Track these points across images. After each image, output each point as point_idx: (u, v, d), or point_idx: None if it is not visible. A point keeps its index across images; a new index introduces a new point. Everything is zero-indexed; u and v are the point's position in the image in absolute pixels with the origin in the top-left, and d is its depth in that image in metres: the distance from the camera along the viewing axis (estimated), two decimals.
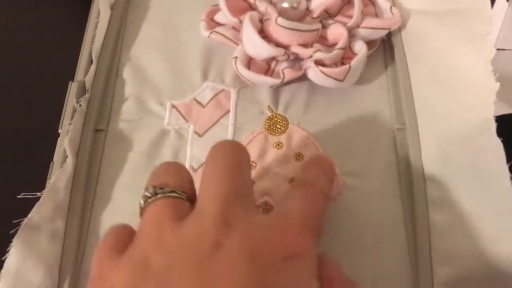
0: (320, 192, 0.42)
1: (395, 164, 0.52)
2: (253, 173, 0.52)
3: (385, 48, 0.60)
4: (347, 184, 0.51)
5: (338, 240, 0.48)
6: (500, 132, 0.46)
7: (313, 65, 0.54)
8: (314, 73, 0.54)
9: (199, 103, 0.57)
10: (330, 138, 0.54)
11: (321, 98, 0.57)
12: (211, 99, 0.57)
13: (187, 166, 0.53)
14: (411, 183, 0.51)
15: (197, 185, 0.51)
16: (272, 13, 0.54)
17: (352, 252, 0.48)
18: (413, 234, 0.48)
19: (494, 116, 0.47)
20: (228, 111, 0.56)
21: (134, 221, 0.49)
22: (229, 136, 0.55)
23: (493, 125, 0.47)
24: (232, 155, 0.40)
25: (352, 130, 0.55)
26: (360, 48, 0.55)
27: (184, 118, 0.56)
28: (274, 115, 0.56)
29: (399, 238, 0.49)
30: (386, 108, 0.56)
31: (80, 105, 0.54)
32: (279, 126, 0.55)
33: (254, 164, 0.53)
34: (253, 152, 0.53)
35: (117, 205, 0.51)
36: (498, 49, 0.51)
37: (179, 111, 0.56)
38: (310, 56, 0.53)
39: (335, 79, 0.53)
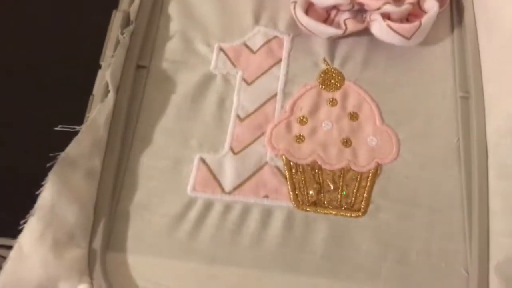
0: None
1: (456, 134, 0.49)
2: (304, 129, 0.49)
3: (452, 9, 0.55)
4: (406, 148, 0.48)
5: (395, 206, 0.45)
6: None
7: (379, 18, 0.49)
8: (379, 27, 0.50)
9: (249, 48, 0.53)
10: (388, 99, 0.50)
11: (381, 56, 0.53)
12: (263, 45, 0.53)
13: (232, 115, 0.49)
14: (472, 155, 0.47)
15: (245, 136, 0.49)
16: None
17: (407, 221, 0.45)
18: (469, 214, 0.45)
19: None
20: (280, 60, 0.52)
21: (175, 169, 0.47)
22: (279, 87, 0.51)
23: None
24: None
25: (412, 94, 0.51)
26: (431, 6, 0.50)
27: (232, 63, 0.52)
28: (329, 69, 0.52)
29: (454, 213, 0.46)
30: (449, 73, 0.52)
31: (124, 37, 0.50)
32: (334, 82, 0.51)
33: (305, 119, 0.49)
34: (304, 107, 0.50)
35: (156, 149, 0.48)
36: None
37: (227, 55, 0.53)
38: (378, 8, 0.49)
39: (402, 35, 0.49)
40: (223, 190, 0.46)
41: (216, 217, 0.45)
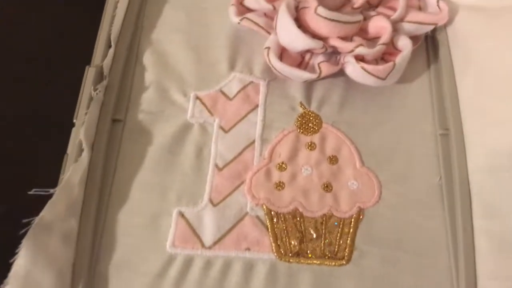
0: None
1: (438, 173, 0.48)
2: (284, 175, 0.48)
3: (427, 45, 0.55)
4: (388, 190, 0.47)
5: (379, 252, 0.45)
6: None
7: (353, 60, 0.49)
8: (353, 69, 0.50)
9: (225, 95, 0.53)
10: (368, 140, 0.50)
11: (357, 97, 0.52)
12: (239, 91, 0.53)
13: (211, 164, 0.49)
14: (454, 195, 0.46)
15: (224, 186, 0.48)
16: (312, 1, 0.49)
17: (392, 267, 0.44)
18: (455, 256, 0.44)
19: None
20: (257, 106, 0.52)
21: (153, 224, 0.46)
22: (257, 133, 0.50)
23: None
24: None
25: (391, 133, 0.50)
26: (405, 44, 0.50)
27: (209, 111, 0.52)
28: (306, 112, 0.52)
29: (440, 257, 0.45)
30: (428, 109, 0.52)
31: (98, 93, 0.49)
32: (312, 125, 0.51)
33: (284, 166, 0.49)
34: (283, 152, 0.49)
35: (133, 204, 0.47)
36: None
37: (203, 103, 0.52)
38: (351, 51, 0.49)
39: (377, 77, 0.49)
40: (203, 245, 0.45)
41: (197, 273, 0.44)
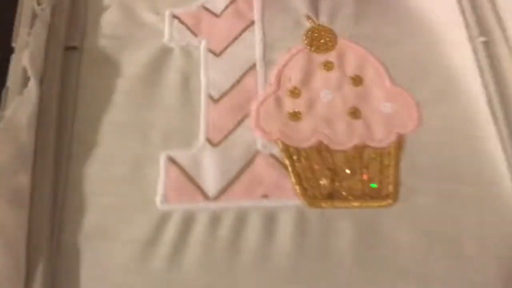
0: None
1: (482, 85, 0.39)
2: (299, 103, 0.38)
3: None
4: (429, 111, 0.38)
5: (431, 185, 0.35)
6: None
7: None
8: None
9: (210, 12, 0.42)
10: (394, 55, 0.40)
11: (372, 8, 0.43)
12: (227, 6, 0.42)
13: (203, 96, 0.38)
14: (509, 108, 0.38)
15: (224, 121, 0.37)
16: None
17: (448, 200, 0.35)
18: None
19: None
20: (253, 23, 0.41)
21: (135, 175, 0.34)
22: (257, 55, 0.39)
23: None
24: None
25: (421, 46, 0.41)
26: None
27: (192, 31, 0.41)
28: (316, 26, 0.41)
29: (503, 183, 0.36)
30: (458, 18, 0.43)
31: (43, 9, 0.36)
32: (324, 41, 0.41)
33: (297, 91, 0.38)
34: (294, 75, 0.39)
35: (105, 152, 0.36)
36: None
37: (183, 23, 0.41)
38: None
39: None
40: (205, 196, 0.34)
41: (202, 233, 0.33)
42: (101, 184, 0.34)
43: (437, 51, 0.41)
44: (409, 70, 0.40)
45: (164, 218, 0.33)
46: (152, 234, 0.33)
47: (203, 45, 0.40)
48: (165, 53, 0.40)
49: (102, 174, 0.34)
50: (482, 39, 0.41)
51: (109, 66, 0.39)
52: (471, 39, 0.41)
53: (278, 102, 0.38)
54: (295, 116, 0.37)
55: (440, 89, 0.39)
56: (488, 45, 0.41)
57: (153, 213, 0.33)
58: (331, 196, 0.35)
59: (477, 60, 0.40)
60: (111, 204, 0.34)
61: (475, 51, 0.41)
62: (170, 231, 0.33)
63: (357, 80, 0.39)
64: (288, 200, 0.34)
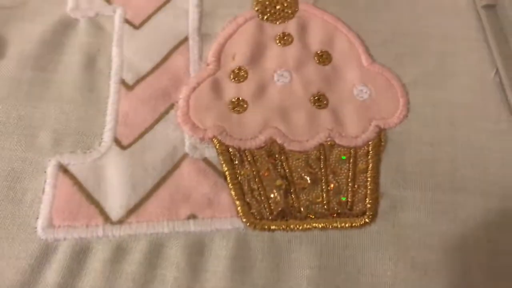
0: None
1: (489, 60, 0.30)
2: (244, 88, 0.28)
3: None
4: (419, 97, 0.29)
5: (423, 197, 0.26)
6: None
7: None
8: None
9: None
10: (375, 25, 0.32)
11: None
12: None
13: (112, 81, 0.28)
14: None
15: (140, 115, 0.27)
16: None
17: (452, 215, 0.26)
18: None
19: None
20: None
21: (10, 189, 0.24)
22: (190, 26, 0.30)
23: None
24: None
25: (410, 12, 0.33)
26: None
27: None
28: None
29: None
30: None
31: None
32: (281, 7, 0.31)
33: (243, 73, 0.29)
34: (240, 51, 0.30)
35: None
36: None
37: None
38: None
39: None
40: (107, 218, 0.25)
41: (100, 272, 0.23)
42: None
43: (429, 19, 0.31)
44: (393, 44, 0.31)
45: (46, 250, 0.24)
46: (29, 273, 0.23)
47: (118, 14, 0.31)
48: (65, 26, 0.31)
49: None
50: (485, 2, 0.31)
51: None
52: (469, 3, 0.32)
53: (217, 87, 0.29)
54: (239, 105, 0.28)
55: (433, 68, 0.30)
56: (493, 9, 0.31)
57: (32, 243, 0.24)
58: (284, 214, 0.25)
59: (481, 29, 0.31)
60: None
61: (477, 18, 0.31)
62: (55, 269, 0.23)
63: (324, 57, 0.30)
64: (224, 221, 0.25)
